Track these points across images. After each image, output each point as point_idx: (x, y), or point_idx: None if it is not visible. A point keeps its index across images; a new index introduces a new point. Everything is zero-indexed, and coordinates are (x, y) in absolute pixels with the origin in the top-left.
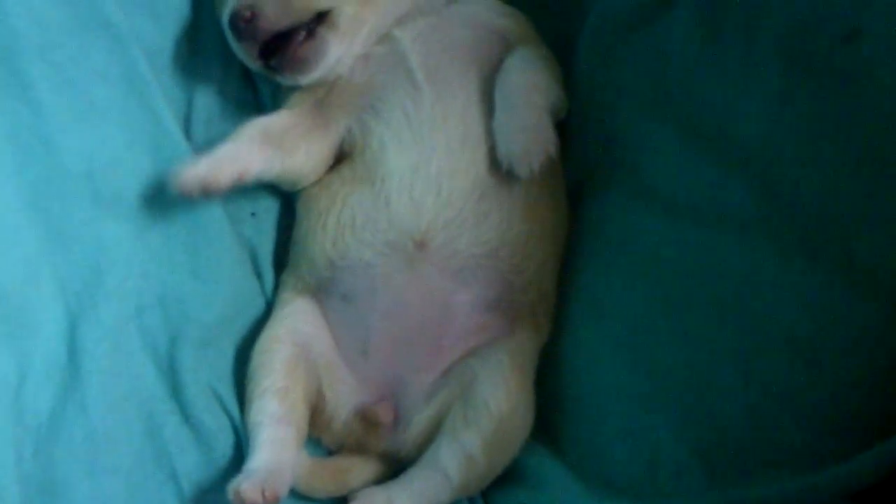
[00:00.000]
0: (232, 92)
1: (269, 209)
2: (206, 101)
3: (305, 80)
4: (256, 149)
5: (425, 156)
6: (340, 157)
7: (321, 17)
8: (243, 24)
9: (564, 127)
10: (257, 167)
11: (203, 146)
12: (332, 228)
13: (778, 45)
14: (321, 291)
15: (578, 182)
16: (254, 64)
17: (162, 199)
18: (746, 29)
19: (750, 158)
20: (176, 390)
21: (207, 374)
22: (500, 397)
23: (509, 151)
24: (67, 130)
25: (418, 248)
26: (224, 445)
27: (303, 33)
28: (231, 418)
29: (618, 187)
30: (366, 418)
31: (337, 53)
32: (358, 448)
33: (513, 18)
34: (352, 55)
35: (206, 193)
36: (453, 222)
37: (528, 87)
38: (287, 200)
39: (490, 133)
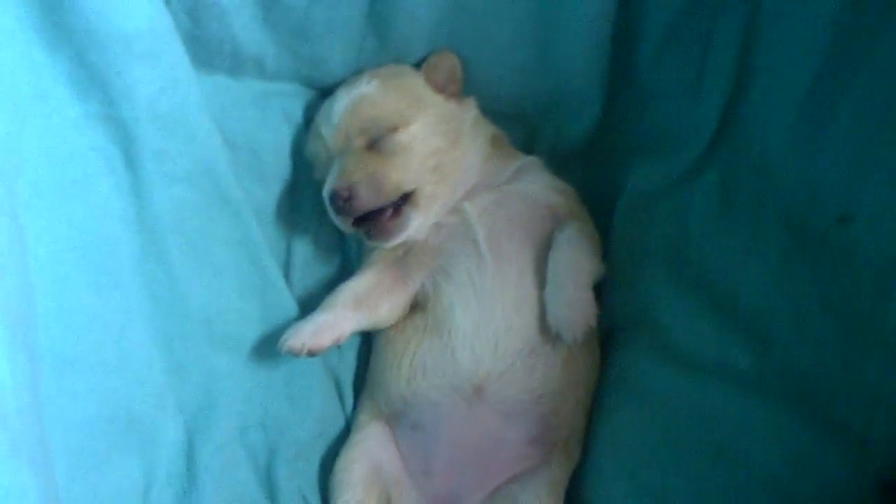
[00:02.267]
0: (324, 241)
1: (351, 342)
2: (303, 248)
3: (389, 245)
4: (349, 314)
5: (486, 316)
6: (415, 305)
7: (405, 197)
8: (341, 202)
9: (601, 284)
10: (350, 329)
11: (300, 287)
12: (406, 370)
13: (781, 222)
14: (393, 419)
15: (609, 329)
16: (347, 229)
17: (265, 340)
18: (755, 206)
19: (750, 322)
20: (273, 497)
21: (299, 483)
22: None
23: (557, 321)
24: (192, 285)
25: (476, 393)
26: None
27: (390, 210)
28: None
29: (639, 339)
30: None
31: (417, 224)
32: None
33: (563, 195)
34: (428, 224)
35: (311, 355)
36: (506, 373)
37: (575, 265)
38: (366, 334)
39: (540, 301)
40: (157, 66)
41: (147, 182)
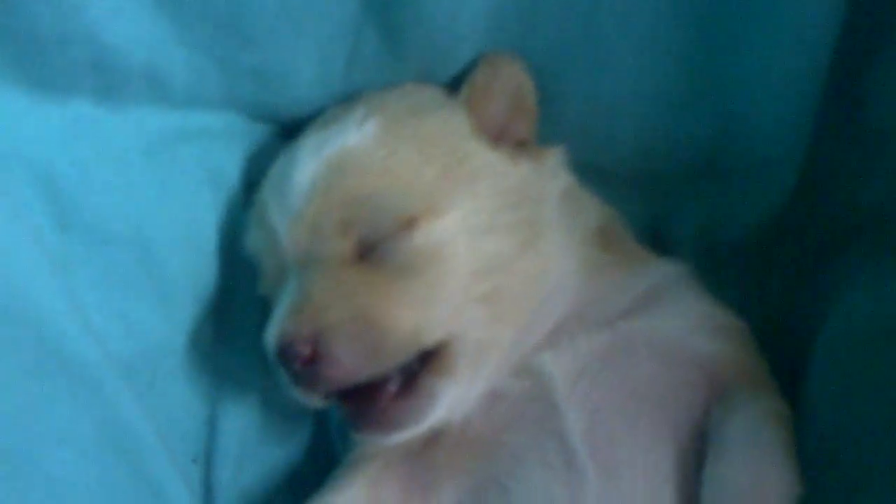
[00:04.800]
0: (279, 401)
1: None
2: (238, 418)
3: (396, 441)
4: None
5: None
6: None
7: (427, 357)
8: (300, 366)
9: None
10: None
11: (233, 499)
12: None
13: None
14: None
15: None
16: (313, 403)
17: None
18: None
19: None
20: None
21: None
22: None
23: None
24: None
25: None
26: None
27: (396, 382)
28: None
29: None
30: None
31: (449, 403)
32: None
33: (728, 338)
34: (472, 396)
35: None
36: None
37: (755, 493)
38: None
39: None
40: None
41: None
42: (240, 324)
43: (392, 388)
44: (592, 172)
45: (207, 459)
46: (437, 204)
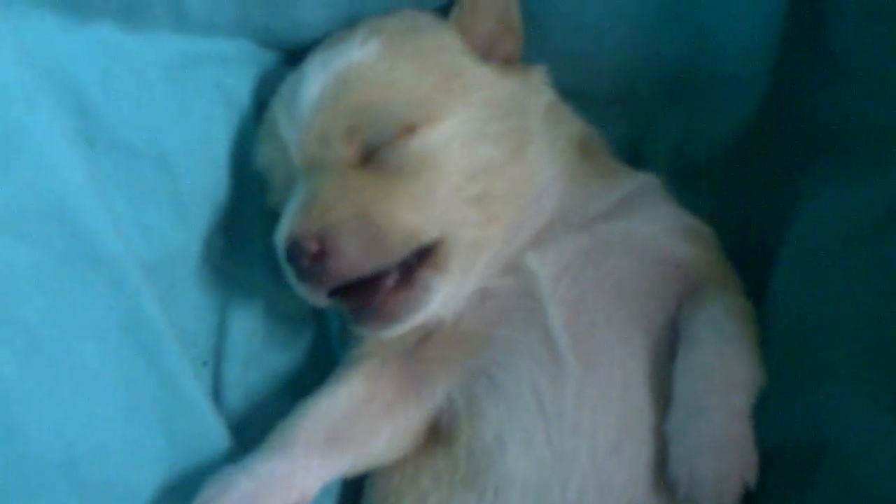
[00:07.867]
0: (284, 309)
1: (328, 490)
2: (245, 322)
3: (393, 333)
4: (317, 458)
5: (563, 467)
6: (436, 434)
7: (424, 252)
8: (307, 262)
9: None
10: (318, 485)
11: (241, 393)
12: None
13: None
14: None
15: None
16: (317, 301)
17: (173, 492)
18: None
19: None
20: None
21: None
22: None
23: (693, 478)
24: (36, 408)
25: None
26: None
27: (394, 276)
28: None
29: (817, 483)
30: None
31: (442, 298)
32: None
33: (698, 242)
34: (463, 294)
35: None
36: None
37: (724, 379)
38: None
39: (659, 437)
40: None
41: None
42: (249, 234)
43: (390, 282)
44: (573, 96)
45: (217, 361)
46: (433, 113)
